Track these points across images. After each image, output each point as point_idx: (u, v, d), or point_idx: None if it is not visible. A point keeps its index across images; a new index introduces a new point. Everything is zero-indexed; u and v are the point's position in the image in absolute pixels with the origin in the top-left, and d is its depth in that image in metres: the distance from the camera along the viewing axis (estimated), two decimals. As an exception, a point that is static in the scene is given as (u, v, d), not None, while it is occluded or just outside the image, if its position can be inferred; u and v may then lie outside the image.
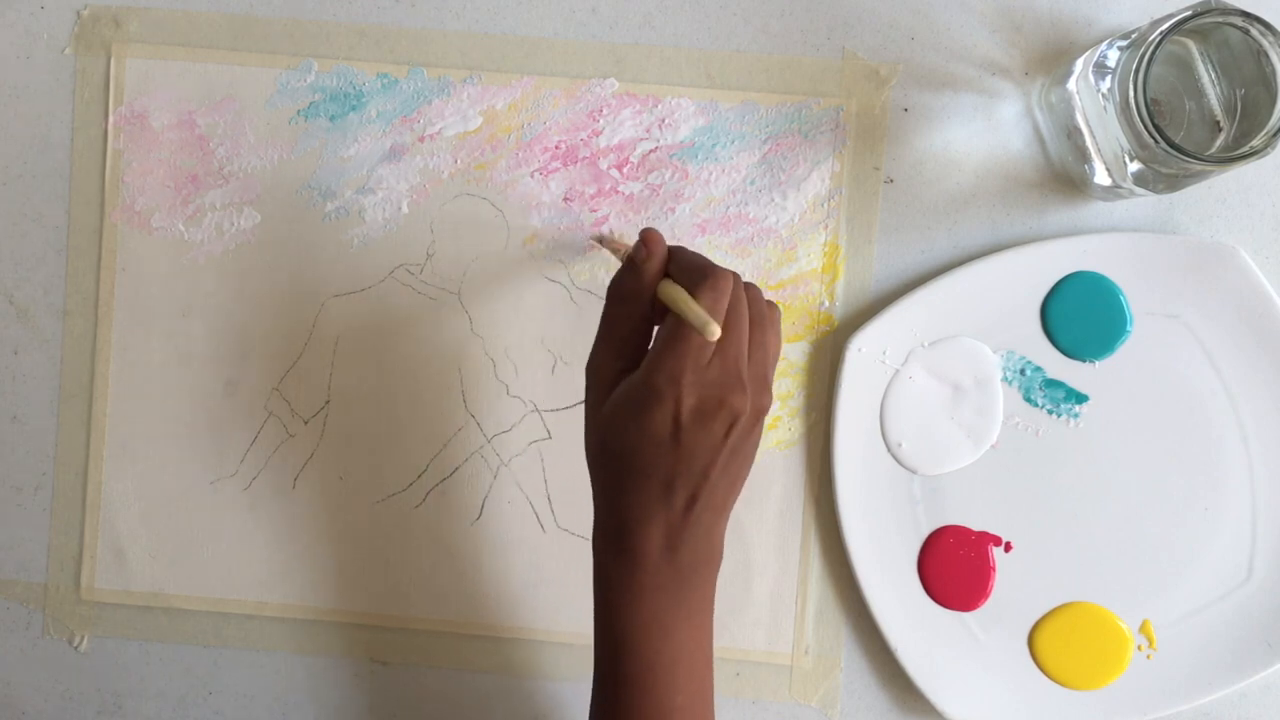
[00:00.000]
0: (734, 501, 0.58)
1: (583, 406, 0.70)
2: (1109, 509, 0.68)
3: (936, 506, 0.69)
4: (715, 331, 0.53)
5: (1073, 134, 0.66)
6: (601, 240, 0.68)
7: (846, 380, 0.68)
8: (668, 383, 0.54)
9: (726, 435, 0.55)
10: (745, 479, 0.58)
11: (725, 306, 0.55)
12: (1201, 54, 0.62)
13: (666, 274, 0.58)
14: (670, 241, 0.69)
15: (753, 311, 0.57)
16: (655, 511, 0.56)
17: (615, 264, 0.70)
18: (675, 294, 0.56)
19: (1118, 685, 0.68)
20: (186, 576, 0.72)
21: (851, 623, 0.70)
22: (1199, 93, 0.62)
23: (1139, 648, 0.68)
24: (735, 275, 0.57)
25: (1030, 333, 0.69)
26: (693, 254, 0.58)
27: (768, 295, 0.70)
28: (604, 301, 0.59)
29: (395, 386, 0.71)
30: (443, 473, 0.71)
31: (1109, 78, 0.61)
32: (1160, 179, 0.62)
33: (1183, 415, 0.68)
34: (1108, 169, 0.65)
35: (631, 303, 0.58)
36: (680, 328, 0.55)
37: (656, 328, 0.58)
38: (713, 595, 0.59)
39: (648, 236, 0.58)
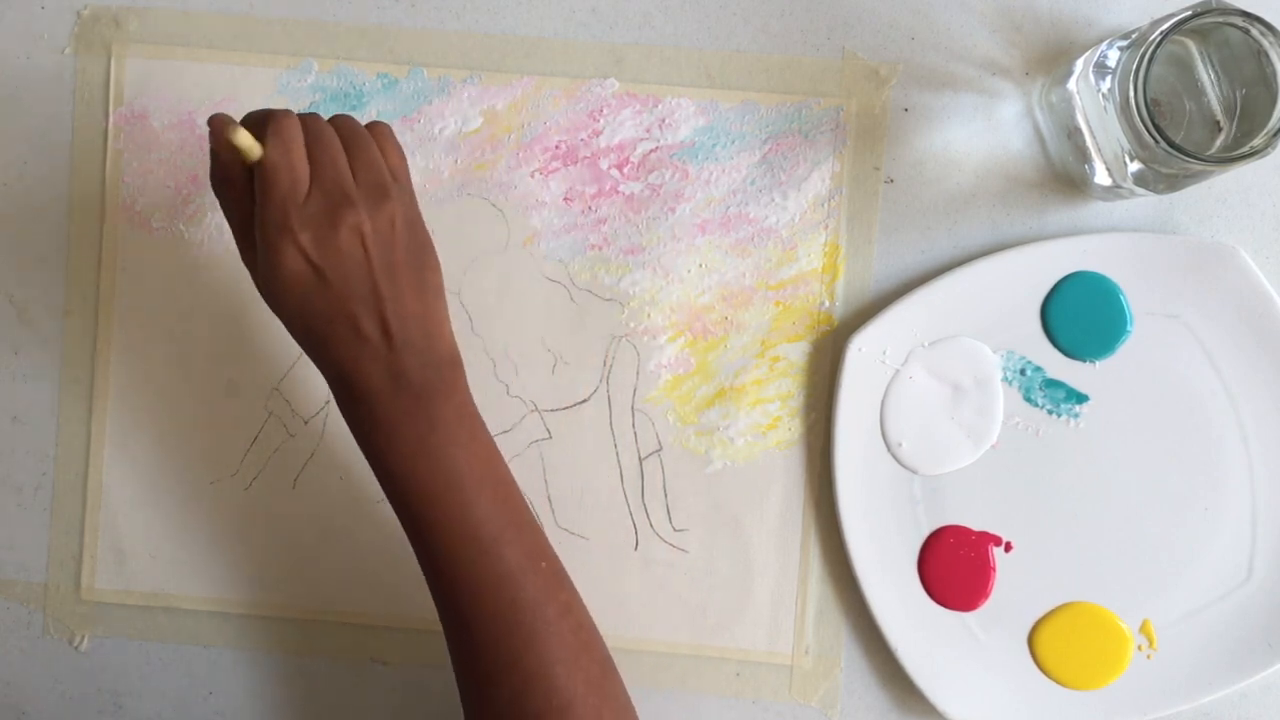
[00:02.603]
0: (434, 296, 0.58)
1: (582, 406, 0.70)
2: (1109, 509, 0.68)
3: (936, 506, 0.69)
4: (257, 149, 0.55)
5: (1073, 134, 0.66)
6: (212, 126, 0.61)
7: (846, 380, 0.68)
8: (277, 231, 0.55)
9: (365, 249, 0.56)
10: (431, 272, 0.58)
11: (293, 140, 0.56)
12: (1201, 54, 0.62)
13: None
14: (670, 241, 0.70)
15: (344, 134, 0.58)
16: (359, 352, 0.56)
17: (613, 262, 0.70)
18: (240, 145, 0.56)
19: (1118, 685, 0.68)
20: (186, 576, 0.72)
21: (851, 623, 0.70)
22: (1199, 93, 0.62)
23: (1139, 648, 0.68)
24: (315, 115, 0.58)
25: (1030, 333, 0.69)
26: (259, 110, 0.58)
27: (768, 295, 0.70)
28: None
29: (395, 386, 0.71)
30: (443, 473, 0.71)
31: (1109, 78, 0.61)
32: (1160, 179, 0.62)
33: (1183, 415, 0.68)
34: (1108, 169, 0.65)
35: (228, 187, 0.58)
36: (262, 179, 0.56)
37: None
38: (467, 395, 0.59)
39: (211, 123, 0.57)
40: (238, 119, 0.57)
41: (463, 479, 0.57)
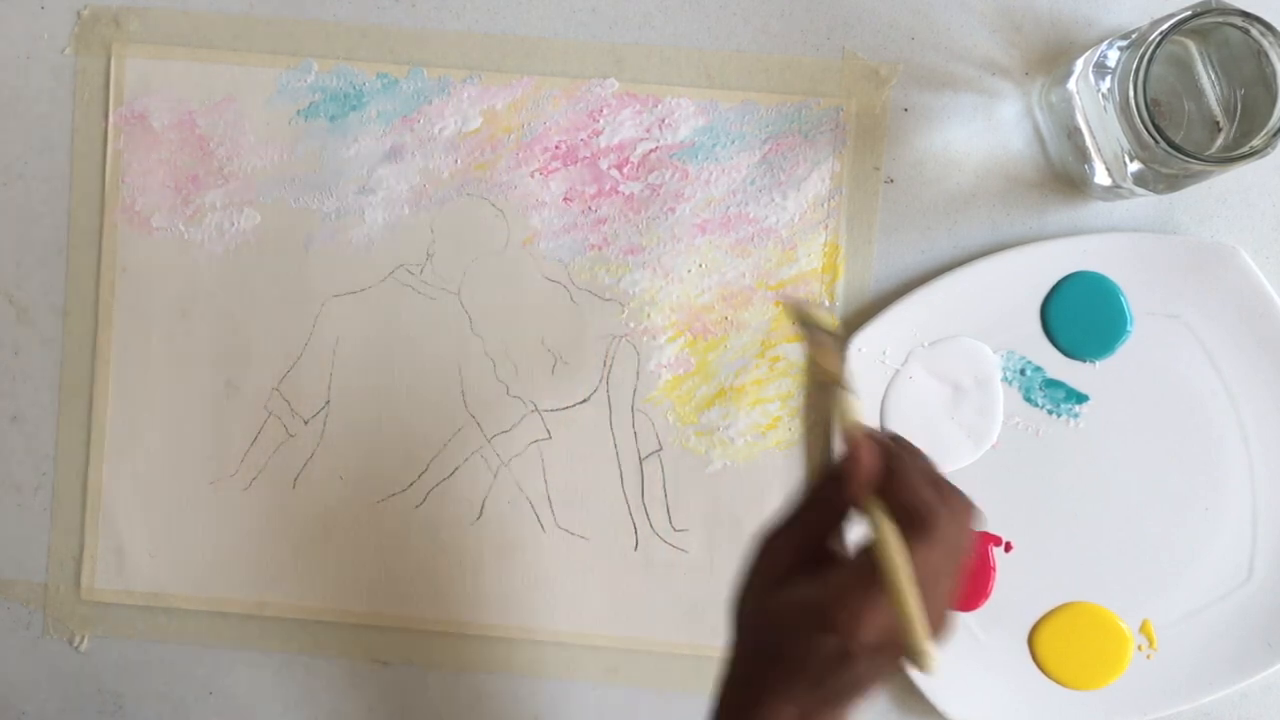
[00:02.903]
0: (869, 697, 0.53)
1: (583, 406, 0.70)
2: (1109, 509, 0.68)
3: (936, 506, 0.69)
4: (929, 668, 0.47)
5: (1073, 134, 0.66)
6: (797, 314, 0.57)
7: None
8: (850, 620, 0.49)
9: (892, 669, 0.51)
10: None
11: (940, 568, 0.50)
12: (1201, 54, 0.62)
13: (885, 478, 0.51)
14: (670, 241, 0.70)
15: (966, 550, 0.51)
16: (794, 698, 0.52)
17: (613, 262, 0.70)
18: (892, 563, 0.48)
19: (1118, 685, 0.68)
20: (186, 576, 0.72)
21: (851, 623, 0.70)
22: (1199, 93, 0.62)
23: (1139, 648, 0.68)
24: (959, 513, 0.51)
25: (1030, 333, 0.69)
26: (913, 478, 0.51)
27: (768, 295, 0.70)
28: (801, 486, 0.54)
29: (395, 386, 0.71)
30: (443, 473, 0.71)
31: (1109, 78, 0.61)
32: (1160, 179, 0.62)
33: (1183, 415, 0.68)
34: (1108, 169, 0.65)
35: (830, 513, 0.52)
36: (883, 584, 0.49)
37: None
38: None
39: (855, 457, 0.50)
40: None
41: None
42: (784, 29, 0.70)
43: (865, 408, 0.69)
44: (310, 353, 0.71)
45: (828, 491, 0.52)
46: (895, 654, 0.50)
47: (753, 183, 0.70)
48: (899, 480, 0.51)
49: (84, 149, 0.71)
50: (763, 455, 0.70)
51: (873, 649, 0.50)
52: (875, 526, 0.50)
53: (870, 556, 0.49)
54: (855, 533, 0.51)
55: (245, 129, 0.70)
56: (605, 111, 0.70)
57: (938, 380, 0.69)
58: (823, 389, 0.51)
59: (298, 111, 0.70)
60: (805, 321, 0.54)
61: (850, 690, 0.52)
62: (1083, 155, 0.66)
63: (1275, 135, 0.58)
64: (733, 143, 0.70)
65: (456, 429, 0.71)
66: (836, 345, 0.53)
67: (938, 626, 0.50)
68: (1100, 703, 0.68)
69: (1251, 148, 0.58)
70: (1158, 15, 0.60)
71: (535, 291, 0.70)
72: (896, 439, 0.53)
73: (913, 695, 0.69)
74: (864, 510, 0.50)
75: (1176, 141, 0.58)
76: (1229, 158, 0.59)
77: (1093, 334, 0.68)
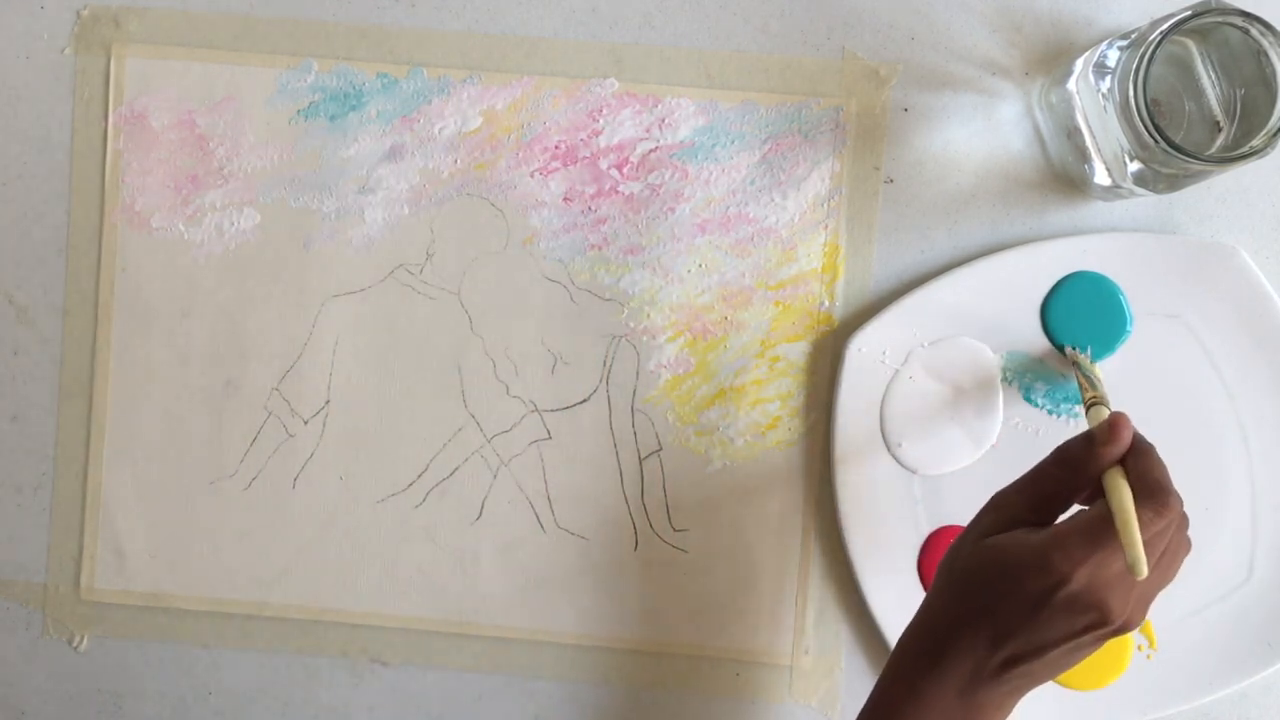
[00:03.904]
0: (1042, 683, 0.57)
1: (582, 406, 0.70)
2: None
3: (936, 506, 0.69)
4: (1142, 572, 0.52)
5: (1073, 134, 0.66)
6: (1078, 364, 0.66)
7: (846, 380, 0.68)
8: (1065, 563, 0.53)
9: (1084, 631, 0.54)
10: (1065, 671, 0.57)
11: (1163, 541, 0.55)
12: (1201, 54, 0.62)
13: (1122, 462, 0.56)
14: (670, 241, 0.70)
15: (1174, 542, 0.56)
16: (975, 649, 0.55)
17: (613, 262, 0.70)
18: (1121, 502, 0.54)
19: (1118, 685, 0.68)
20: (186, 576, 0.72)
21: (851, 623, 0.70)
22: (1199, 93, 0.62)
23: (1139, 648, 0.68)
24: (1184, 523, 0.56)
25: (1030, 333, 0.69)
26: (1156, 464, 0.56)
27: (768, 295, 0.70)
28: (1046, 454, 0.58)
29: (395, 386, 0.71)
30: (443, 473, 0.71)
31: (1109, 78, 0.61)
32: (1160, 179, 0.62)
33: (1183, 415, 0.68)
34: (1108, 169, 0.65)
35: (1072, 474, 0.57)
36: (1109, 531, 0.53)
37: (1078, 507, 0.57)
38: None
39: (1117, 424, 0.56)
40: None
41: None
42: (784, 29, 0.70)
43: (867, 410, 0.69)
44: (310, 353, 0.71)
45: (1077, 452, 0.57)
46: (1097, 620, 0.53)
47: (752, 183, 0.70)
48: (1146, 458, 0.56)
49: (84, 149, 0.71)
50: (763, 455, 0.70)
51: (1078, 603, 0.53)
52: (1113, 491, 0.54)
53: (1097, 514, 0.54)
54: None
55: (245, 129, 0.70)
56: (605, 111, 0.70)
57: (938, 380, 0.69)
58: (1090, 408, 0.60)
59: (298, 111, 0.70)
60: (1078, 364, 0.66)
61: (1029, 656, 0.54)
62: (1083, 155, 0.66)
63: (1275, 135, 0.58)
64: (733, 143, 0.70)
65: (456, 429, 0.71)
66: (1098, 377, 0.63)
67: (1134, 613, 0.54)
68: (1100, 703, 0.68)
69: (1251, 148, 0.58)
70: (1158, 15, 0.60)
71: (535, 291, 0.70)
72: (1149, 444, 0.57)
73: (913, 695, 0.69)
74: (1105, 478, 0.55)
75: (1176, 141, 0.58)
76: (1229, 158, 0.59)
77: (1093, 334, 0.68)
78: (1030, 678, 0.56)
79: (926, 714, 0.56)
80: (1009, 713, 0.57)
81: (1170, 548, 0.56)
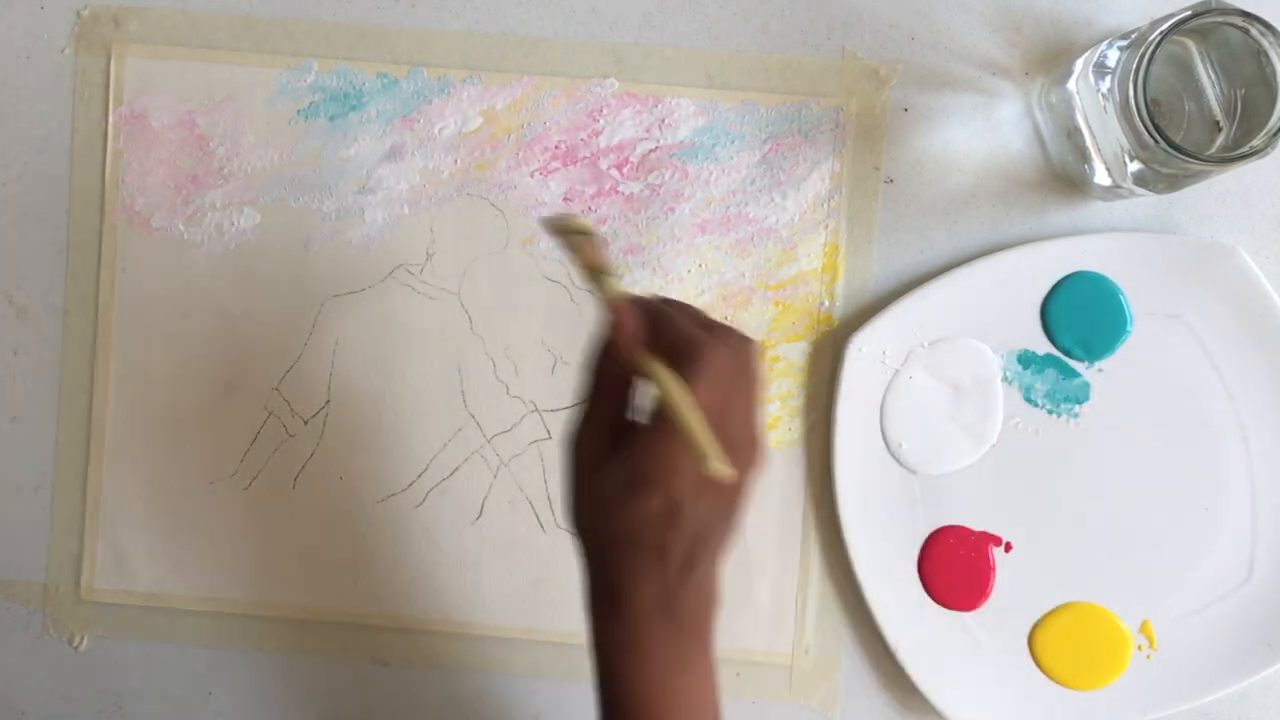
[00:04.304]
0: (732, 544, 0.55)
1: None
2: (1109, 509, 0.68)
3: (936, 506, 0.69)
4: (716, 468, 0.49)
5: (1073, 134, 0.66)
6: (559, 229, 0.55)
7: (846, 380, 0.68)
8: (663, 472, 0.51)
9: (730, 498, 0.53)
10: (743, 522, 0.55)
11: (717, 384, 0.51)
12: (1201, 54, 0.62)
13: (653, 337, 0.52)
14: (670, 241, 0.70)
15: (743, 374, 0.53)
16: (650, 575, 0.54)
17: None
18: (672, 399, 0.50)
19: (1118, 685, 0.68)
20: (186, 576, 0.72)
21: (851, 623, 0.70)
22: (1199, 93, 0.62)
23: (1139, 648, 0.68)
24: (731, 343, 0.52)
25: (1030, 333, 0.69)
26: (672, 321, 0.52)
27: (768, 295, 0.70)
28: (580, 370, 0.55)
29: (395, 386, 0.71)
30: (443, 473, 0.71)
31: (1109, 78, 0.61)
32: (1160, 179, 0.62)
33: (1183, 415, 0.68)
34: (1108, 169, 0.65)
35: (613, 383, 0.53)
36: (668, 429, 0.50)
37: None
38: (714, 637, 0.57)
39: (617, 314, 0.52)
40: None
41: (683, 712, 0.55)
42: (784, 29, 0.70)
43: (867, 410, 0.69)
44: (310, 353, 0.71)
45: (604, 366, 0.53)
46: (721, 493, 0.52)
47: (753, 183, 0.70)
48: (662, 324, 0.52)
49: (84, 149, 0.71)
50: (763, 455, 0.70)
51: (695, 493, 0.51)
52: (654, 377, 0.50)
53: (655, 414, 0.51)
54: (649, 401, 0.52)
55: (245, 129, 0.70)
56: (605, 111, 0.70)
57: (938, 380, 0.69)
58: (593, 279, 0.53)
59: (298, 111, 0.70)
60: (563, 229, 0.55)
61: (697, 548, 0.53)
62: (1083, 155, 0.66)
63: (1275, 135, 0.58)
64: (733, 143, 0.70)
65: (456, 429, 0.71)
66: (594, 241, 0.54)
67: (743, 449, 0.52)
68: (1100, 703, 0.68)
69: (1251, 148, 0.58)
70: (1158, 15, 0.60)
71: (535, 291, 0.70)
72: (665, 300, 0.54)
73: (913, 695, 0.69)
74: (641, 368, 0.51)
75: (1176, 141, 0.58)
76: (1229, 158, 0.59)
77: (1093, 334, 0.68)
78: (712, 558, 0.54)
79: (643, 659, 0.55)
80: (719, 590, 0.55)
81: (734, 370, 0.52)
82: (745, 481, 0.53)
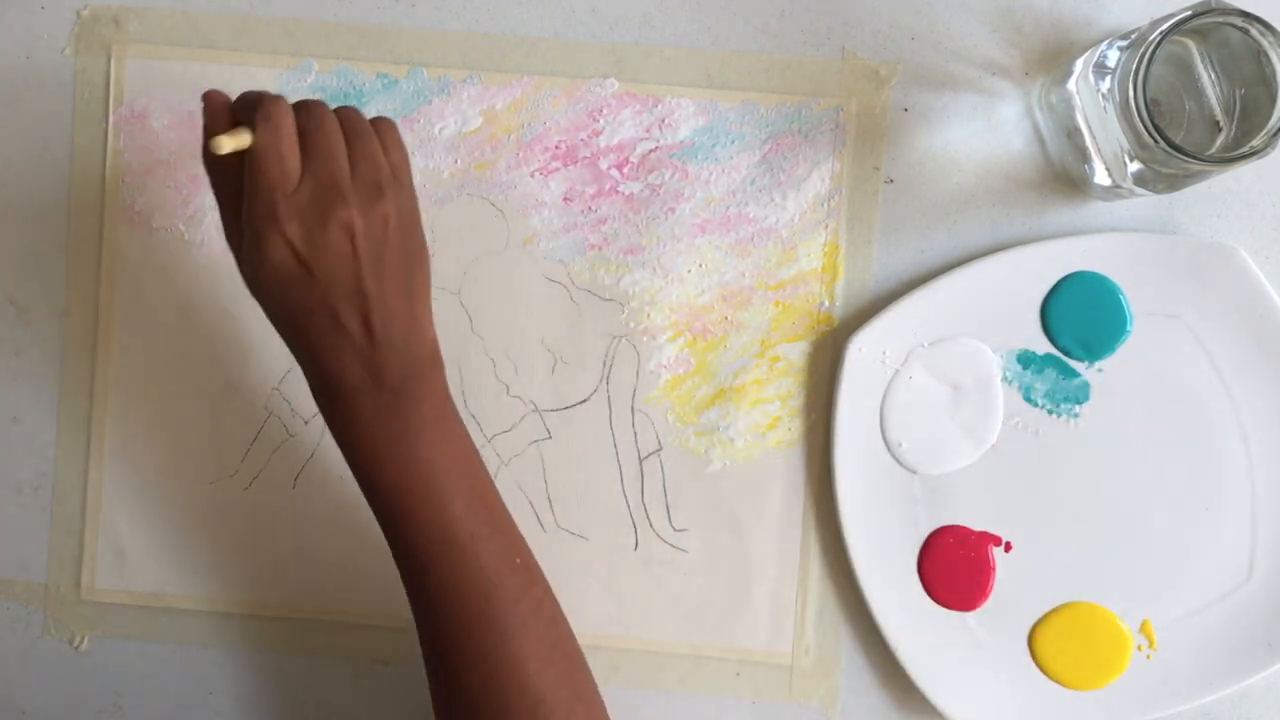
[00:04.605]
0: (421, 296, 0.58)
1: (582, 406, 0.70)
2: (1109, 509, 0.68)
3: (936, 506, 0.69)
4: (247, 139, 0.54)
5: (1073, 134, 0.66)
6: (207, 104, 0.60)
7: (846, 380, 0.68)
8: (265, 221, 0.55)
9: (354, 246, 0.55)
10: (420, 272, 0.58)
11: (284, 127, 0.55)
12: (1201, 54, 0.62)
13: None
14: (670, 241, 0.70)
15: (346, 126, 0.57)
16: (338, 346, 0.56)
17: (613, 262, 0.70)
18: (231, 133, 0.55)
19: (1118, 685, 0.68)
20: (186, 576, 0.72)
21: (851, 623, 0.70)
22: (1199, 93, 0.62)
23: (1139, 648, 0.68)
24: (318, 101, 0.57)
25: (1030, 333, 0.69)
26: (250, 93, 0.57)
27: (768, 295, 0.70)
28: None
29: (395, 386, 0.71)
30: (443, 473, 0.71)
31: (1109, 78, 0.61)
32: (1160, 179, 0.62)
33: (1183, 415, 0.68)
34: (1108, 169, 0.65)
35: (218, 166, 0.57)
36: (251, 165, 0.55)
37: None
38: (446, 395, 0.59)
39: (206, 100, 0.57)
40: (235, 97, 0.57)
41: (439, 478, 0.58)
42: (784, 29, 0.70)
43: (867, 410, 0.69)
44: (310, 353, 0.71)
45: (211, 156, 0.56)
46: (323, 225, 0.55)
47: (753, 183, 0.70)
48: (243, 103, 0.57)
49: (84, 149, 0.71)
50: (763, 455, 0.70)
51: (306, 237, 0.55)
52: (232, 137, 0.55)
53: (245, 164, 0.56)
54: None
55: (245, 129, 0.70)
56: (605, 111, 0.70)
57: (938, 380, 0.69)
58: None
59: (298, 111, 0.70)
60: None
61: (367, 305, 0.56)
62: (1083, 155, 0.66)
63: (1275, 135, 0.58)
64: (733, 143, 0.70)
65: (456, 429, 0.71)
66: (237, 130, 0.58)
67: (364, 190, 0.56)
68: (1100, 703, 0.68)
69: (1251, 148, 0.58)
70: (1158, 15, 0.60)
71: (535, 291, 0.70)
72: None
73: (913, 695, 0.69)
74: (236, 138, 0.55)
75: (1176, 141, 0.58)
76: (1229, 158, 0.59)
77: (1093, 334, 0.68)
78: (398, 313, 0.57)
79: (373, 430, 0.57)
80: (432, 345, 0.58)
81: (333, 129, 0.56)
82: (368, 230, 0.55)
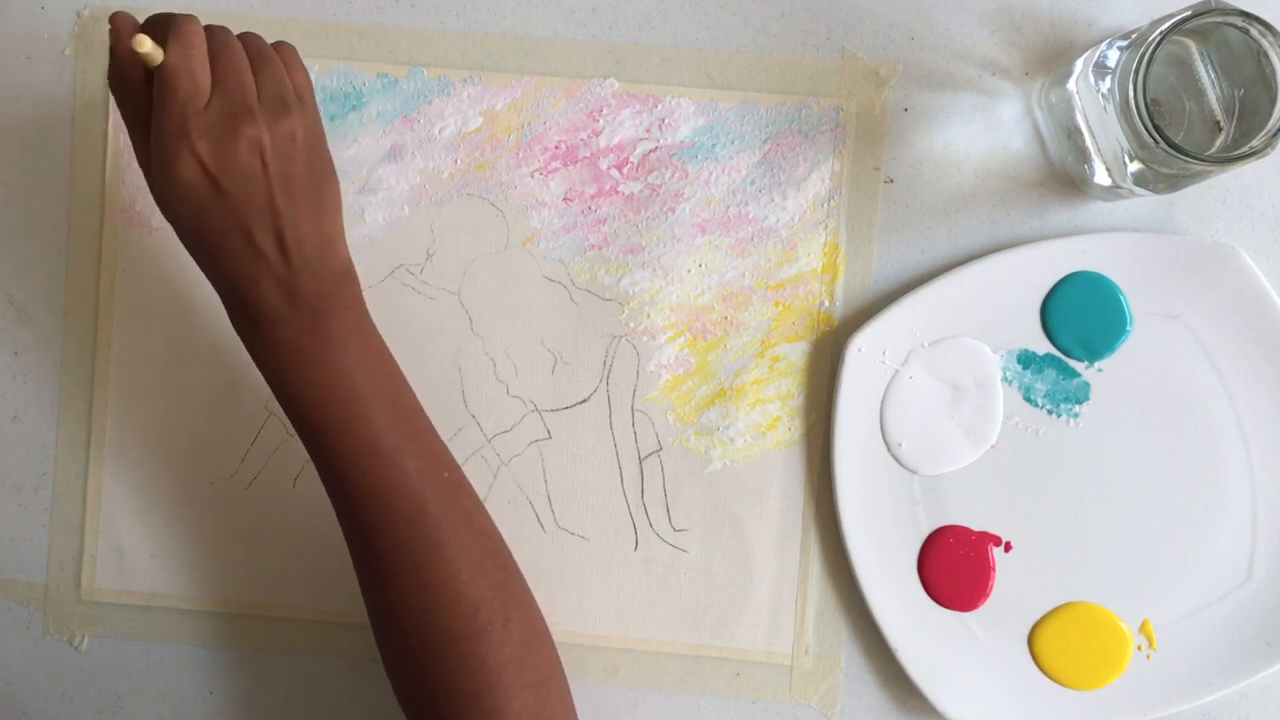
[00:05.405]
0: (332, 212, 0.58)
1: (582, 406, 0.70)
2: (1109, 509, 0.69)
3: (936, 506, 0.69)
4: (159, 55, 0.55)
5: (1073, 134, 0.66)
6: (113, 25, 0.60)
7: (846, 380, 0.68)
8: (174, 137, 0.55)
9: (263, 162, 0.55)
10: (328, 187, 0.58)
11: (195, 46, 0.55)
12: (1201, 54, 0.62)
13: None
14: (670, 241, 0.70)
15: (250, 49, 0.57)
16: (253, 267, 0.56)
17: (613, 262, 0.70)
18: (140, 50, 0.55)
19: (1118, 685, 0.68)
20: (186, 576, 0.72)
21: (851, 623, 0.70)
22: (1199, 93, 0.62)
23: (1139, 648, 0.68)
24: (222, 27, 0.57)
25: (1030, 333, 0.69)
26: (161, 13, 0.58)
27: (768, 295, 0.70)
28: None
29: (395, 386, 0.71)
30: (443, 473, 0.71)
31: (1109, 78, 0.61)
32: (1160, 179, 0.62)
33: (1183, 415, 0.68)
34: (1108, 169, 0.65)
35: (127, 88, 0.57)
36: (161, 83, 0.55)
37: None
38: (363, 309, 0.59)
39: (112, 22, 0.57)
40: (141, 20, 0.57)
41: (360, 393, 0.58)
42: (784, 29, 0.70)
43: (867, 410, 0.69)
44: (310, 353, 0.71)
45: (113, 72, 0.57)
46: (233, 141, 0.55)
47: (753, 183, 0.70)
48: (154, 21, 0.57)
49: (84, 149, 0.71)
50: (763, 455, 0.70)
51: (215, 154, 0.55)
52: (140, 50, 0.55)
53: (154, 82, 0.56)
54: None
55: (245, 129, 0.70)
56: (605, 111, 0.70)
57: (938, 380, 0.69)
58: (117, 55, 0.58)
59: (298, 111, 0.70)
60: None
61: (277, 221, 0.56)
62: (1083, 155, 0.66)
63: (1275, 135, 0.58)
64: (733, 143, 0.70)
65: (456, 429, 0.71)
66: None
67: (274, 106, 0.56)
68: (1100, 703, 0.68)
69: (1251, 148, 0.58)
70: (1158, 15, 0.60)
71: (535, 291, 0.70)
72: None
73: (913, 695, 0.69)
74: (137, 52, 0.55)
75: (1176, 141, 0.58)
76: (1229, 158, 0.59)
77: (1092, 334, 0.68)
78: (311, 231, 0.57)
79: (294, 351, 0.57)
80: (345, 261, 0.59)
81: (237, 49, 0.57)
82: (277, 146, 0.56)
